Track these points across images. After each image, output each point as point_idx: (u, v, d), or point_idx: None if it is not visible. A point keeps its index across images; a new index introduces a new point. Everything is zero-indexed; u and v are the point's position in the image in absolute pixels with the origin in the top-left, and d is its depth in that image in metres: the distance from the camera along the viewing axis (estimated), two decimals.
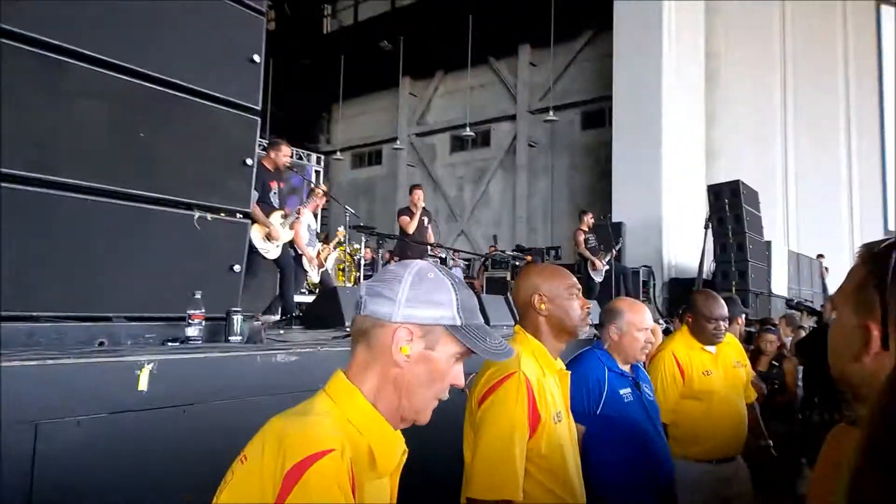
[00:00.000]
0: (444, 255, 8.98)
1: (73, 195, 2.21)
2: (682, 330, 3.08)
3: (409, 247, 7.11)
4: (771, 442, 3.25)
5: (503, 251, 12.05)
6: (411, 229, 7.15)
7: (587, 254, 8.89)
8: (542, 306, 1.84)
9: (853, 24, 14.23)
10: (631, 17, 12.17)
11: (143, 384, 1.79)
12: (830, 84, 14.03)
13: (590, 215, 9.12)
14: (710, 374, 2.92)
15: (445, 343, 1.06)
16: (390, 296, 1.05)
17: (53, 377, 1.65)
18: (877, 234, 13.73)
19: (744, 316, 4.68)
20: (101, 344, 2.13)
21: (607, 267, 8.84)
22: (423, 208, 7.36)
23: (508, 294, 8.39)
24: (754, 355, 4.99)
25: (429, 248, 7.43)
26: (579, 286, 1.95)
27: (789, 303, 6.43)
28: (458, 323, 1.06)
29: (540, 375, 1.74)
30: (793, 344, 6.17)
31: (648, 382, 2.54)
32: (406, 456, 1.10)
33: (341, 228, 7.68)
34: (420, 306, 1.04)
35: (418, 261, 1.13)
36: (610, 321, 2.46)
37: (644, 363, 3.71)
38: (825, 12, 14.19)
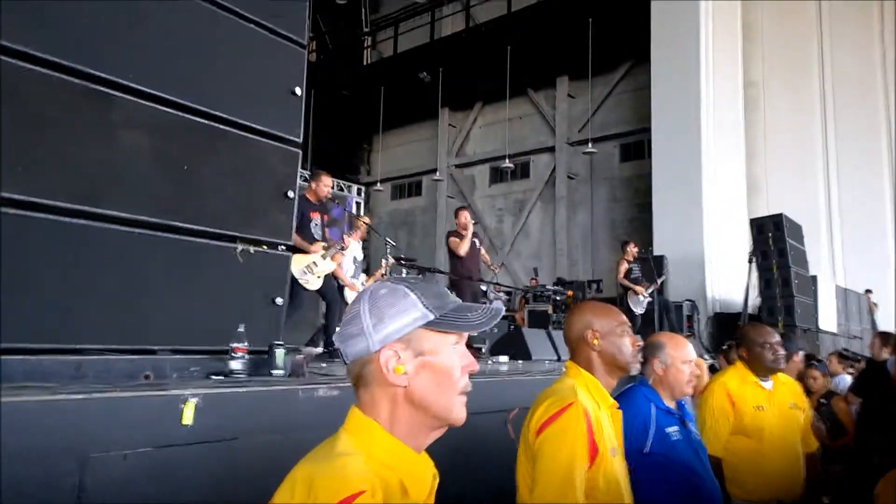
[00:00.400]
0: (484, 288, 8.90)
1: (118, 227, 2.26)
2: (737, 365, 3.00)
3: (458, 272, 6.88)
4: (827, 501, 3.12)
5: (544, 285, 11.94)
6: (463, 251, 6.85)
7: (626, 283, 8.74)
8: (595, 342, 1.87)
9: (893, 52, 13.93)
10: (668, 48, 12.11)
11: (187, 418, 1.80)
12: (872, 113, 13.69)
13: (633, 245, 8.97)
14: (762, 410, 2.80)
15: (433, 340, 1.05)
16: (359, 332, 1.04)
17: (100, 411, 1.67)
18: None
19: (801, 353, 4.48)
20: (146, 377, 2.16)
21: (649, 299, 8.68)
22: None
23: (550, 328, 8.31)
24: None
25: (481, 269, 7.22)
26: (629, 324, 1.97)
27: (842, 352, 6.23)
28: (432, 317, 1.04)
29: (595, 409, 1.75)
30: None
31: (693, 420, 2.49)
32: (437, 479, 1.08)
33: (384, 261, 7.69)
34: (388, 322, 1.03)
35: (369, 287, 1.11)
36: (653, 356, 2.42)
37: (694, 398, 3.61)
38: (864, 41, 13.91)
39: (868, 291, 12.56)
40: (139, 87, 2.32)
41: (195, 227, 2.49)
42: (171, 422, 1.78)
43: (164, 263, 2.37)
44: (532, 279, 13.71)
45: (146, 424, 1.74)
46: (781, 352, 2.91)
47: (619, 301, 8.81)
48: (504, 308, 1.17)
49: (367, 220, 7.09)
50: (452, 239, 6.94)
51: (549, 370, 4.35)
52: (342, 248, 5.97)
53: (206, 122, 2.57)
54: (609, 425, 1.79)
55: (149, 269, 2.33)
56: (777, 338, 2.93)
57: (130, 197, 2.30)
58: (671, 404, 2.36)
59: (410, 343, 1.04)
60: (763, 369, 2.89)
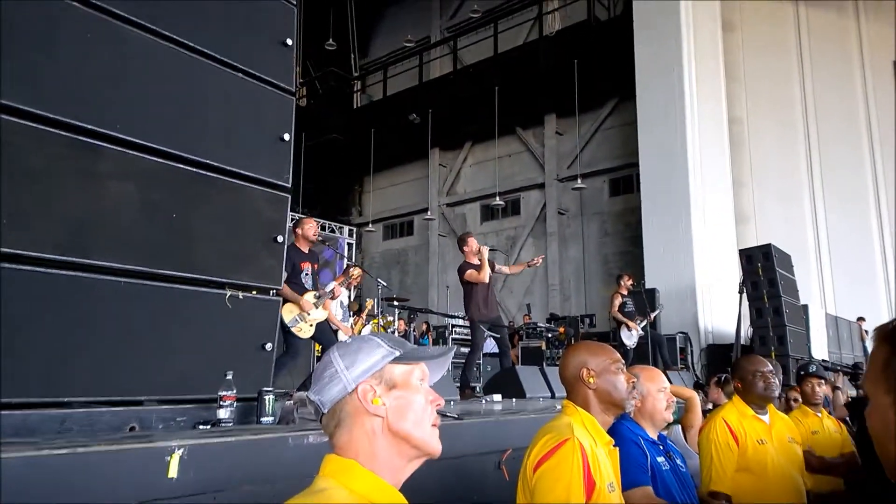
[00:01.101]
0: None
1: (105, 277, 2.26)
2: (734, 399, 3.00)
3: (475, 302, 6.24)
4: None
5: (535, 322, 11.93)
6: (486, 276, 6.21)
7: (620, 317, 8.73)
8: (591, 380, 1.92)
9: (873, 84, 14.26)
10: (652, 86, 12.35)
11: (173, 471, 1.77)
12: (855, 144, 13.95)
13: (627, 278, 8.98)
14: (764, 444, 2.79)
15: (403, 374, 1.14)
16: (334, 377, 1.12)
17: (84, 465, 1.65)
18: None
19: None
20: (131, 429, 2.13)
21: (641, 333, 8.66)
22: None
23: (544, 364, 8.29)
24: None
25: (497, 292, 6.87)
26: (623, 361, 2.01)
27: (823, 363, 6.24)
28: (397, 353, 1.14)
29: (592, 444, 1.78)
30: (835, 403, 5.90)
31: (677, 452, 2.50)
32: None
33: (370, 300, 7.69)
34: (360, 362, 1.12)
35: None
36: None
37: (685, 432, 3.60)
38: (844, 75, 14.26)
39: (860, 319, 12.59)
40: (126, 138, 2.35)
41: (183, 274, 2.49)
42: (157, 475, 1.75)
43: (151, 312, 2.36)
44: (525, 316, 13.69)
45: (131, 478, 1.71)
46: (774, 381, 2.93)
47: (612, 335, 8.79)
48: (453, 346, 1.27)
49: (359, 270, 6.89)
50: (470, 272, 6.30)
51: (544, 408, 4.32)
52: (332, 297, 5.94)
53: (194, 169, 2.59)
54: (607, 462, 1.81)
55: (136, 318, 2.32)
56: (769, 367, 2.95)
57: (117, 247, 2.31)
58: (654, 435, 2.39)
59: (383, 377, 1.12)
60: (757, 399, 2.89)
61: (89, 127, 2.25)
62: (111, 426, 2.11)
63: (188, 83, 2.62)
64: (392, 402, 1.11)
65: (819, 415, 4.05)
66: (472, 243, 6.54)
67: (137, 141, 2.38)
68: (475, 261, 6.40)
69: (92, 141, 2.26)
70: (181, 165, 2.54)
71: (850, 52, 14.48)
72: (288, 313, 5.43)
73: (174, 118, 2.57)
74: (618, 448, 1.95)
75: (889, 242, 13.70)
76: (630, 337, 8.63)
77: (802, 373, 4.26)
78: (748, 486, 2.70)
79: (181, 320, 2.46)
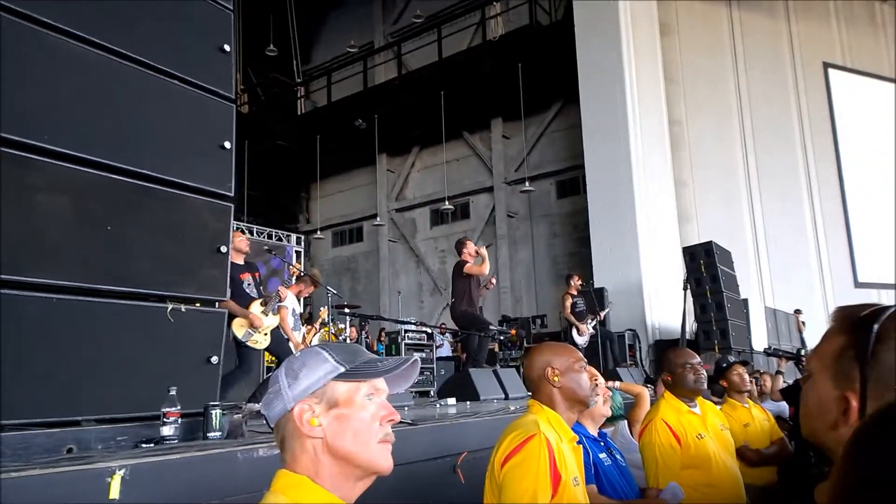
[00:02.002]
0: (429, 331, 8.87)
1: (37, 294, 2.16)
2: (666, 396, 3.02)
3: (466, 299, 6.71)
4: None
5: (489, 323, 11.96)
6: (486, 269, 6.83)
7: (572, 319, 8.85)
8: (556, 378, 1.98)
9: (804, 84, 14.93)
10: (595, 89, 12.60)
11: (114, 492, 1.70)
12: (789, 142, 14.59)
13: (577, 278, 9.11)
14: (703, 438, 2.84)
15: (346, 392, 1.09)
16: (277, 394, 1.09)
17: (19, 490, 1.56)
18: (847, 287, 14.09)
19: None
20: (69, 451, 2.04)
21: (592, 332, 8.80)
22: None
23: (498, 366, 8.32)
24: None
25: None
26: (585, 360, 2.10)
27: (767, 350, 6.46)
28: (342, 369, 1.09)
29: (558, 441, 1.82)
30: (773, 388, 6.10)
31: (616, 448, 2.56)
32: None
33: (324, 309, 7.58)
34: (301, 379, 1.08)
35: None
36: None
37: (630, 428, 3.65)
38: (777, 75, 14.91)
39: (797, 311, 13.12)
40: (55, 149, 2.25)
41: (121, 289, 2.40)
42: (97, 497, 1.68)
43: (87, 329, 2.27)
44: None
45: (69, 502, 1.63)
46: (703, 372, 2.99)
47: (564, 335, 8.91)
48: (416, 357, 1.22)
49: (317, 272, 6.90)
50: (469, 265, 6.77)
51: (497, 410, 4.34)
52: (279, 300, 5.87)
53: (130, 180, 2.50)
54: (571, 457, 1.86)
55: (71, 336, 2.22)
56: (697, 359, 3.01)
57: (50, 262, 2.21)
58: (594, 432, 2.44)
59: (324, 396, 1.08)
60: (688, 392, 2.94)
61: (15, 138, 2.15)
62: (46, 448, 2.01)
63: (120, 91, 2.53)
64: (330, 422, 1.07)
65: (747, 405, 4.04)
66: (470, 245, 6.95)
67: (68, 152, 2.29)
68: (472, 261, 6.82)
69: (18, 153, 2.16)
70: (115, 176, 2.45)
71: (782, 52, 15.12)
72: (239, 328, 5.37)
73: (107, 128, 2.48)
74: (581, 446, 2.00)
75: (822, 236, 14.34)
76: (580, 336, 8.76)
77: (724, 364, 4.21)
78: (694, 482, 2.75)
79: (120, 336, 2.37)
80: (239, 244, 5.63)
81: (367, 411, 1.09)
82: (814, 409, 0.89)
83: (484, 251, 6.88)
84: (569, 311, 8.88)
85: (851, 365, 0.84)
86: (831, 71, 15.38)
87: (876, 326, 0.84)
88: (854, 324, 0.87)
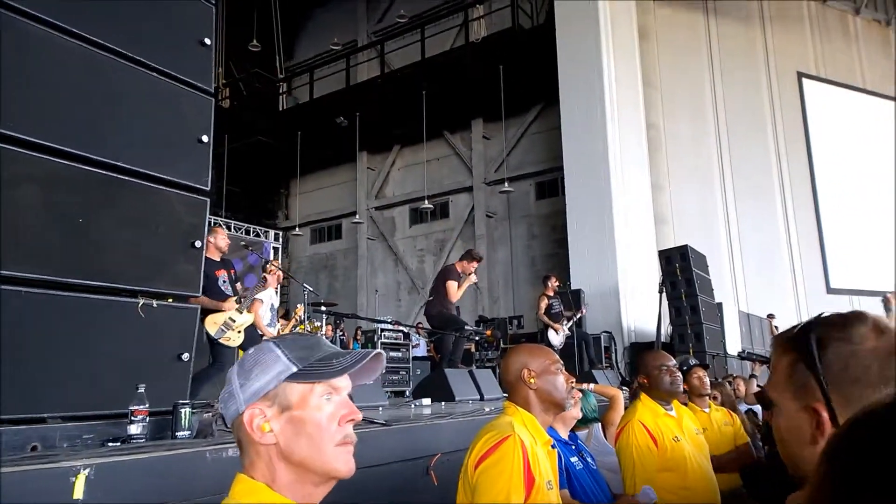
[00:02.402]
0: (405, 330, 8.86)
1: (4, 287, 2.11)
2: (642, 398, 3.02)
3: (447, 299, 6.75)
4: None
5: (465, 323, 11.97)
6: (454, 298, 6.85)
7: (545, 319, 8.89)
8: (532, 380, 1.97)
9: (779, 91, 15.20)
10: (575, 92, 12.69)
11: (78, 492, 1.67)
12: (763, 151, 14.84)
13: (554, 279, 9.15)
14: (679, 441, 2.85)
15: (300, 393, 1.02)
16: (230, 394, 1.04)
17: None
18: (819, 293, 14.34)
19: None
20: (33, 449, 1.99)
21: (568, 333, 8.84)
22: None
23: (474, 366, 8.33)
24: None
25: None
26: (562, 362, 2.10)
27: (741, 354, 6.56)
28: (295, 369, 1.02)
29: (532, 443, 1.82)
30: (747, 391, 6.13)
31: (587, 451, 2.57)
32: None
33: (299, 306, 7.53)
34: (253, 381, 1.02)
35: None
36: None
37: (604, 430, 3.67)
38: (752, 82, 15.15)
39: (770, 316, 13.31)
40: (28, 139, 2.20)
41: (90, 282, 2.35)
42: (61, 497, 1.64)
43: (55, 323, 2.22)
44: None
45: (32, 501, 1.60)
46: (679, 375, 3.01)
47: (540, 336, 8.94)
48: (378, 349, 1.18)
49: (276, 265, 6.83)
50: (451, 283, 6.84)
51: (472, 411, 4.34)
52: (253, 300, 5.82)
53: (103, 172, 2.45)
54: (546, 460, 1.85)
55: (38, 330, 2.17)
56: (673, 361, 3.03)
57: (16, 254, 2.15)
58: (565, 435, 2.44)
59: (277, 398, 1.02)
60: (664, 394, 2.96)
61: None
62: (10, 446, 1.96)
63: (96, 82, 2.49)
64: (283, 426, 1.00)
65: (707, 409, 3.94)
66: (474, 265, 7.05)
67: (38, 141, 2.23)
68: (458, 276, 6.90)
69: None
70: (88, 167, 2.40)
71: (757, 61, 15.36)
72: (212, 325, 5.31)
73: (81, 118, 2.43)
74: (556, 450, 2.00)
75: (795, 242, 14.58)
76: (556, 337, 8.80)
77: (685, 367, 4.01)
78: (670, 485, 2.75)
79: (89, 331, 2.32)
80: (219, 241, 5.62)
81: (322, 412, 1.02)
82: (787, 434, 0.91)
83: (473, 279, 6.94)
84: (542, 311, 8.92)
85: (806, 375, 0.86)
86: (805, 80, 15.66)
87: (814, 335, 0.88)
88: (792, 340, 0.91)
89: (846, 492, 0.45)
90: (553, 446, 2.29)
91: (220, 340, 5.33)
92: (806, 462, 0.87)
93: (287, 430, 1.00)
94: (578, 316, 9.17)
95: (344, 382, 1.06)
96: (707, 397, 4.02)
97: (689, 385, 3.96)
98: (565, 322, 8.89)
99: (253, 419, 1.00)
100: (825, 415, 0.83)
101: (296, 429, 1.00)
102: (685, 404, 4.08)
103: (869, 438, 0.47)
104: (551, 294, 9.03)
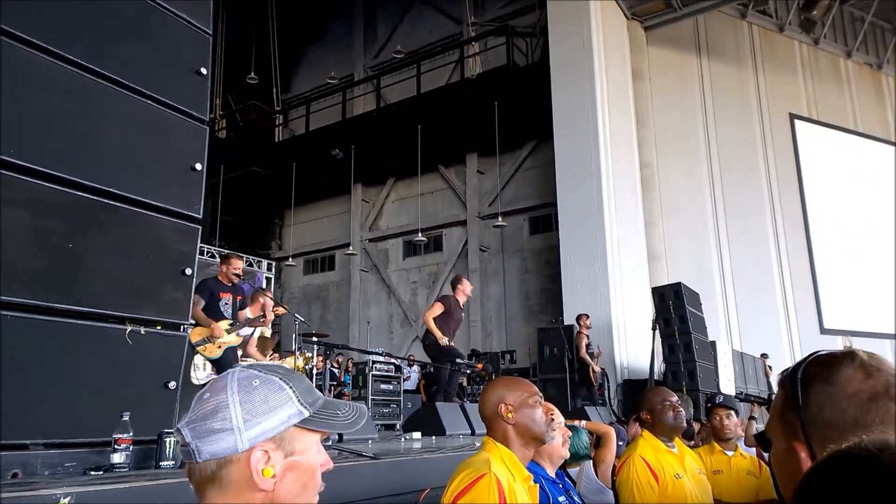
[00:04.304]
0: (397, 363, 8.79)
1: None
2: (644, 434, 2.97)
3: (446, 329, 6.66)
4: None
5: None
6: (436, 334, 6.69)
7: (588, 359, 9.00)
8: (509, 415, 1.91)
9: (771, 133, 15.44)
10: (569, 129, 12.84)
11: None
12: (756, 191, 15.02)
13: (586, 318, 9.29)
14: (680, 478, 2.79)
15: (302, 439, 0.95)
16: (225, 426, 0.91)
17: None
18: (813, 333, 14.36)
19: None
20: (13, 476, 1.95)
21: (599, 370, 8.99)
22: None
23: (465, 400, 8.25)
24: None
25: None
26: (541, 394, 2.03)
27: (738, 395, 6.54)
28: (307, 413, 0.95)
29: (511, 480, 1.75)
30: (747, 433, 6.10)
31: (573, 490, 2.52)
32: None
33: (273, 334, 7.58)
34: (262, 420, 0.92)
35: (230, 372, 0.99)
36: None
37: (596, 469, 3.61)
38: (745, 123, 15.42)
39: (764, 356, 13.29)
40: (17, 162, 2.20)
41: (78, 308, 2.33)
42: None
43: (39, 348, 2.19)
44: None
45: None
46: (682, 411, 2.98)
47: (533, 371, 8.89)
48: (367, 413, 1.11)
49: (278, 309, 6.89)
50: (430, 312, 6.80)
51: (462, 445, 4.28)
52: (263, 322, 6.05)
53: (95, 198, 2.45)
54: (525, 497, 1.79)
55: (22, 355, 2.14)
56: (676, 398, 3.00)
57: (5, 279, 2.13)
58: (552, 473, 2.39)
59: (281, 442, 0.94)
60: (667, 430, 2.91)
61: None
62: None
63: (88, 107, 2.50)
64: (284, 472, 0.93)
65: (730, 453, 3.66)
66: (466, 285, 7.14)
67: (30, 166, 2.23)
68: (450, 302, 6.87)
69: None
70: (80, 193, 2.40)
71: (749, 102, 15.64)
72: (196, 335, 5.51)
73: (74, 144, 2.44)
74: (537, 485, 1.94)
75: (788, 282, 14.64)
76: (596, 373, 9.01)
77: (710, 405, 3.90)
78: None
79: (74, 357, 2.29)
80: (229, 270, 5.88)
81: (317, 460, 0.98)
82: (778, 470, 0.92)
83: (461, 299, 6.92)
84: (584, 351, 8.99)
85: (792, 415, 0.86)
86: (797, 122, 15.93)
87: (800, 374, 0.88)
88: (785, 378, 0.91)
89: None
90: (535, 481, 2.25)
91: (198, 349, 5.50)
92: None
93: (285, 476, 0.94)
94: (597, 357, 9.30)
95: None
96: (730, 441, 3.73)
97: (711, 425, 3.81)
98: (596, 362, 9.08)
99: (259, 462, 0.91)
100: (803, 454, 0.83)
101: (294, 476, 0.94)
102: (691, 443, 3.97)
103: (821, 487, 0.48)
104: (586, 332, 9.16)
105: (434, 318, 6.68)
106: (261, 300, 6.70)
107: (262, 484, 0.91)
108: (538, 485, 1.95)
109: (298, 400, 0.95)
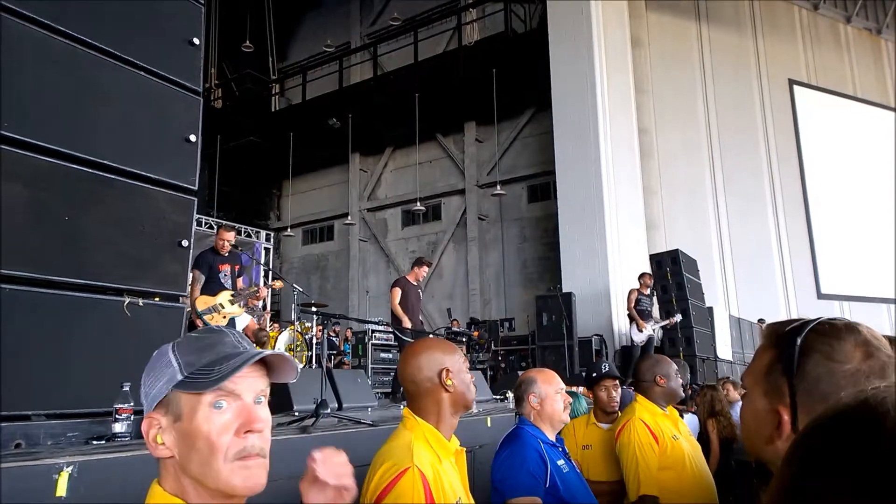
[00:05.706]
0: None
1: None
2: (639, 399, 3.00)
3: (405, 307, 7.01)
4: None
5: (449, 327, 12.02)
6: (396, 307, 7.13)
7: (635, 314, 9.11)
8: (450, 381, 1.71)
9: (770, 99, 15.31)
10: (567, 97, 12.74)
11: (61, 490, 1.67)
12: (755, 157, 14.94)
13: (648, 278, 9.35)
14: (678, 439, 2.84)
15: (188, 403, 0.90)
16: (145, 397, 0.96)
17: None
18: (810, 298, 14.40)
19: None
20: (17, 446, 1.99)
21: (651, 334, 9.09)
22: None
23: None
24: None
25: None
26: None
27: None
28: (180, 377, 0.91)
29: (436, 463, 1.63)
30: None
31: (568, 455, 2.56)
32: None
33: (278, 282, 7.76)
34: (151, 386, 0.93)
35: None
36: (527, 392, 2.47)
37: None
38: (744, 89, 15.26)
39: (761, 321, 13.36)
40: (13, 136, 2.19)
41: (76, 280, 2.35)
42: (44, 494, 1.64)
43: (39, 321, 2.22)
44: (454, 321, 13.69)
45: (14, 498, 1.59)
46: (679, 379, 3.05)
47: (531, 339, 8.89)
48: (271, 350, 1.00)
49: (266, 287, 7.09)
50: (394, 291, 7.17)
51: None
52: (256, 296, 6.13)
53: (89, 170, 2.45)
54: (454, 474, 1.69)
55: (22, 327, 2.17)
56: (675, 366, 3.07)
57: (2, 252, 2.15)
58: (553, 437, 2.42)
59: (168, 408, 0.92)
60: (671, 396, 2.98)
61: None
62: None
63: (81, 80, 2.48)
64: (175, 438, 0.90)
65: (605, 426, 3.38)
66: (425, 270, 7.60)
67: (24, 139, 2.23)
68: (405, 284, 7.29)
69: None
70: (75, 166, 2.40)
71: (748, 68, 15.47)
72: (203, 304, 5.66)
73: (67, 116, 2.43)
74: (464, 449, 1.80)
75: (786, 247, 14.67)
76: (638, 335, 9.07)
77: (595, 375, 3.50)
78: (670, 484, 2.72)
79: (74, 329, 2.32)
80: (218, 242, 6.01)
81: (212, 424, 0.89)
82: (751, 424, 0.91)
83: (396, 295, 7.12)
84: (633, 304, 9.12)
85: (781, 379, 0.86)
86: (796, 87, 15.78)
87: (799, 340, 0.86)
88: (780, 338, 0.89)
89: (800, 499, 0.46)
90: (535, 445, 2.28)
91: (205, 318, 5.61)
92: (759, 453, 0.88)
93: (179, 443, 0.90)
94: (667, 322, 9.31)
95: (243, 386, 0.93)
96: (614, 414, 3.41)
97: (597, 397, 3.48)
98: (652, 322, 9.08)
99: (149, 429, 0.92)
100: (786, 418, 0.83)
101: (186, 442, 0.90)
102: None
103: (819, 446, 0.47)
104: (646, 292, 9.22)
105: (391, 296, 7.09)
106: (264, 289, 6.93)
107: (154, 451, 0.92)
108: (464, 448, 1.78)
109: (177, 362, 0.93)
